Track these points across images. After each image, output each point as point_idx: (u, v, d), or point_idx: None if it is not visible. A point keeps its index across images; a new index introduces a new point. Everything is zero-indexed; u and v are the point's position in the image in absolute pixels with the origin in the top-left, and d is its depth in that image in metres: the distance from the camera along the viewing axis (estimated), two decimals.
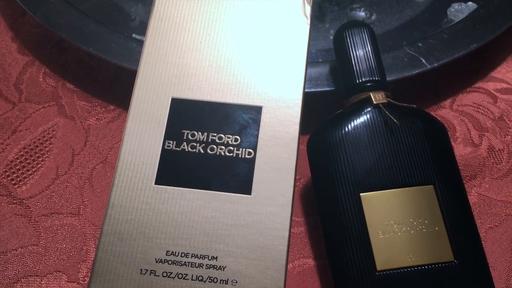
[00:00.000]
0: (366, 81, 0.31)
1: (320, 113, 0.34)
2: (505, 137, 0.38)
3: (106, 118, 0.40)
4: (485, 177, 0.36)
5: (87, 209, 0.36)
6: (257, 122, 0.28)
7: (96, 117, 0.40)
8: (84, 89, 0.41)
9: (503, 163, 0.37)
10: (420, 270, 0.27)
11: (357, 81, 0.32)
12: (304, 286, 0.32)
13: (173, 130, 0.27)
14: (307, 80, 0.36)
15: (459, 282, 0.27)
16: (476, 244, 0.29)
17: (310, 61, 0.37)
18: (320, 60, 0.39)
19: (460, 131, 0.39)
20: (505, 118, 0.39)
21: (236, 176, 0.27)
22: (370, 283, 0.27)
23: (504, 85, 0.41)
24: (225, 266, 0.25)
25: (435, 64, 0.37)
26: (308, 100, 0.35)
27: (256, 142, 0.27)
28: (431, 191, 0.29)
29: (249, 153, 0.27)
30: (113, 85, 0.41)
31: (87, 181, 0.37)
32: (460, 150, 0.37)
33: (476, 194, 0.36)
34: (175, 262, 0.25)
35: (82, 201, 0.36)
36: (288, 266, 0.32)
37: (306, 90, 0.34)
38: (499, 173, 0.36)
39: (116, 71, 0.42)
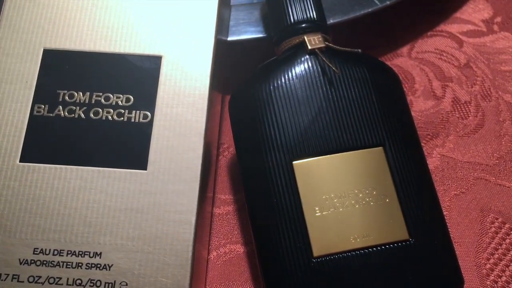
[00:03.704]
0: (300, 22, 0.27)
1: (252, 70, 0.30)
2: (472, 87, 0.33)
3: None
4: (449, 135, 0.32)
5: None
6: (155, 76, 0.24)
7: None
8: None
9: (470, 118, 0.32)
10: (367, 253, 0.23)
11: (289, 22, 0.27)
12: (232, 279, 0.28)
13: (45, 90, 0.24)
14: (231, 26, 0.30)
15: (416, 265, 0.23)
16: (436, 217, 0.25)
17: (237, 3, 0.31)
18: (252, 2, 0.33)
19: (420, 82, 0.34)
20: (472, 65, 0.35)
21: (127, 147, 0.23)
22: (305, 273, 0.23)
23: (471, 27, 0.37)
24: (112, 265, 0.22)
25: (388, 2, 0.32)
26: (237, 52, 0.30)
27: (154, 102, 0.24)
28: (380, 154, 0.25)
29: (145, 116, 0.24)
30: None
31: None
32: (420, 105, 0.33)
33: (439, 156, 0.31)
34: (45, 262, 0.21)
35: None
36: (212, 255, 0.28)
37: (230, 39, 0.29)
38: (466, 130, 0.32)
39: None
